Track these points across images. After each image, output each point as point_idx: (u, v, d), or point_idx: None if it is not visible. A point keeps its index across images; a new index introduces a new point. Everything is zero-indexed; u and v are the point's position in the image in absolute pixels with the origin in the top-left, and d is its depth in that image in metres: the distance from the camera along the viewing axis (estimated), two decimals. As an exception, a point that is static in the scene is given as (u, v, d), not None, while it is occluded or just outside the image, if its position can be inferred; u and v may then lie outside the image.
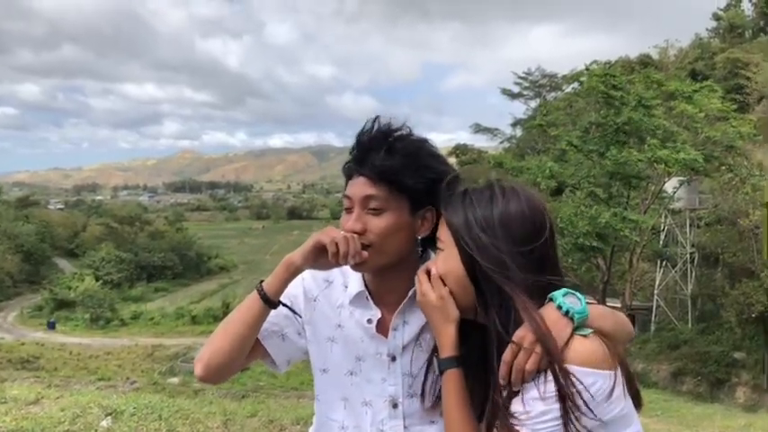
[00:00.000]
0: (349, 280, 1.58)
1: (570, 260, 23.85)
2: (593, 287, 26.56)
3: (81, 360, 38.71)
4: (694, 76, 36.27)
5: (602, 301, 24.73)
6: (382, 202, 1.43)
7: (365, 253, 1.42)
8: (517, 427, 1.19)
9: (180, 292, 66.50)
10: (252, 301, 1.50)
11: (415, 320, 1.49)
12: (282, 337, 1.60)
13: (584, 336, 1.21)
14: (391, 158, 1.43)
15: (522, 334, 1.21)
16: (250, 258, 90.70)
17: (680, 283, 27.85)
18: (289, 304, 1.54)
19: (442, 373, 1.35)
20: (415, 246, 1.49)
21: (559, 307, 1.22)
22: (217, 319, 51.94)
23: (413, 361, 1.49)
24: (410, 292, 1.46)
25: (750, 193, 24.26)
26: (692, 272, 27.55)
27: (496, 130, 54.79)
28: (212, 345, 1.50)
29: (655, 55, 47.02)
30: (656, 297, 27.78)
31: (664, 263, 27.93)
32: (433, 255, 1.45)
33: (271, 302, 1.48)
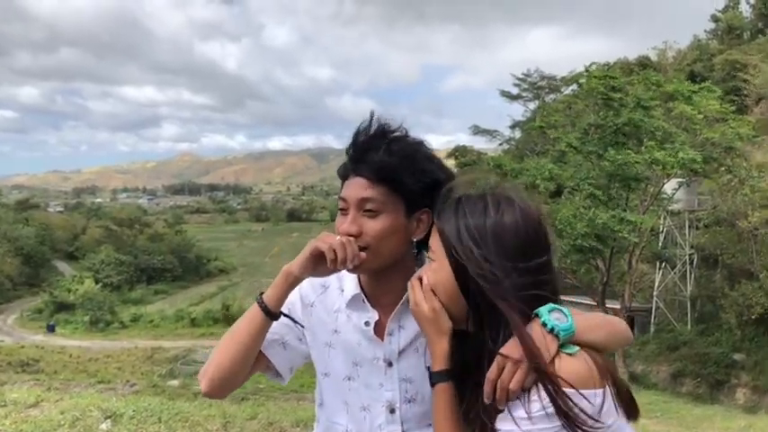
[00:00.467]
0: (344, 283, 1.57)
1: (569, 261, 23.85)
2: (593, 288, 26.55)
3: (80, 363, 38.63)
4: (693, 77, 36.26)
5: (601, 303, 24.85)
6: (378, 204, 1.42)
7: (363, 254, 1.41)
8: None
9: (179, 295, 66.45)
10: (253, 313, 1.48)
11: (411, 324, 1.46)
12: (284, 345, 1.60)
13: (571, 354, 1.18)
14: (389, 159, 1.42)
15: (507, 352, 1.20)
16: (249, 260, 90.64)
17: (679, 285, 27.84)
18: (287, 312, 1.53)
19: (433, 385, 1.34)
20: (411, 248, 1.48)
21: (544, 324, 1.20)
22: (216, 321, 51.99)
23: (410, 366, 1.48)
24: (405, 296, 1.45)
25: (749, 195, 24.27)
26: (691, 273, 27.55)
27: (495, 131, 54.79)
28: (215, 360, 1.50)
29: (653, 57, 47.05)
30: (655, 298, 27.76)
31: (663, 264, 27.92)
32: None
33: (272, 314, 1.47)
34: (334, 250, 1.39)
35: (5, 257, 63.06)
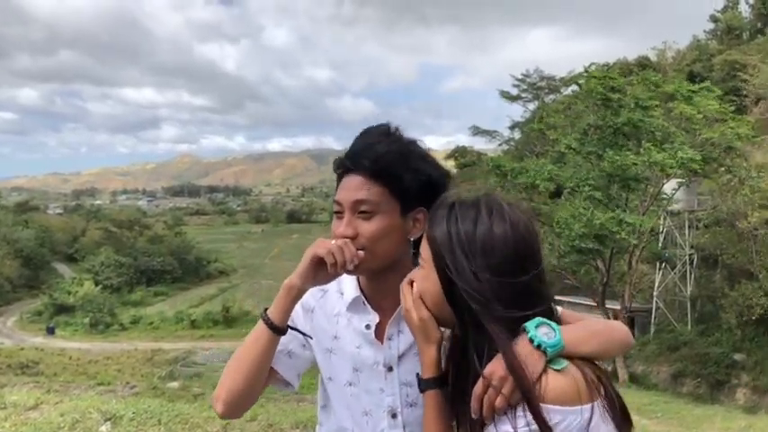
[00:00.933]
0: (344, 286, 1.57)
1: (566, 261, 23.87)
2: (593, 289, 26.55)
3: (80, 365, 38.61)
4: (692, 77, 36.26)
5: (601, 303, 24.83)
6: (372, 206, 1.42)
7: (361, 253, 1.41)
8: None
9: (179, 297, 66.43)
10: (259, 331, 1.47)
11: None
12: (289, 354, 1.59)
13: (558, 370, 1.16)
14: (383, 157, 1.43)
15: (492, 369, 1.19)
16: (249, 262, 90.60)
17: (679, 285, 27.83)
18: (290, 323, 1.52)
19: (422, 392, 1.35)
20: (408, 247, 1.48)
21: (531, 340, 1.18)
22: (216, 323, 52.00)
23: (410, 370, 1.48)
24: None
25: (749, 195, 24.27)
26: (691, 273, 27.54)
27: (495, 132, 54.85)
28: (227, 381, 1.49)
29: (653, 57, 47.08)
30: (655, 299, 27.75)
31: (663, 265, 27.92)
32: None
33: (279, 329, 1.46)
34: (333, 254, 1.39)
35: (5, 259, 63.03)
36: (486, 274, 1.21)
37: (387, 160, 1.43)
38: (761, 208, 24.09)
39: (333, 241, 1.41)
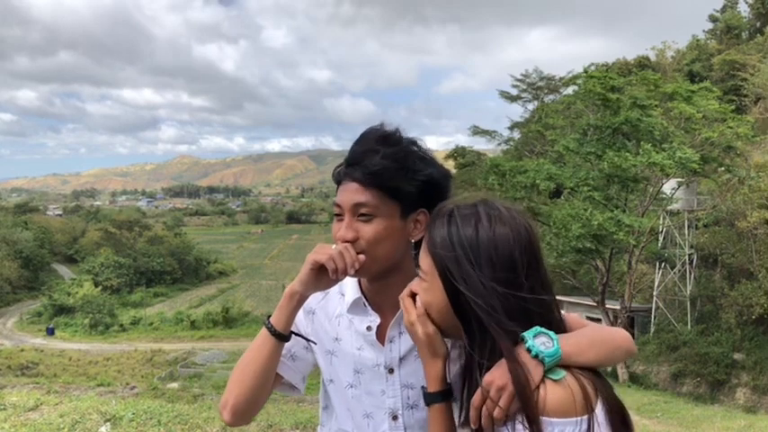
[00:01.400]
0: (345, 288, 1.57)
1: (565, 261, 23.86)
2: (593, 289, 26.56)
3: (80, 366, 38.68)
4: (692, 77, 36.33)
5: (601, 303, 24.75)
6: (372, 209, 1.42)
7: (362, 257, 1.41)
8: None
9: (179, 297, 66.52)
10: (263, 338, 1.47)
11: None
12: (293, 358, 1.59)
13: (556, 380, 1.16)
14: (381, 163, 1.41)
15: (490, 379, 1.18)
16: (249, 263, 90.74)
17: (679, 285, 27.83)
18: (292, 327, 1.52)
19: (428, 405, 1.34)
20: (409, 249, 1.47)
21: (529, 350, 1.17)
22: (216, 323, 52.02)
23: (411, 372, 1.47)
24: None
25: (748, 194, 24.28)
26: (690, 273, 27.54)
27: (494, 132, 54.73)
28: (234, 391, 1.48)
29: (652, 57, 47.11)
30: (655, 298, 27.76)
31: (663, 264, 27.93)
32: None
33: (282, 337, 1.46)
34: (334, 260, 1.38)
35: (5, 261, 63.04)
36: (493, 283, 1.20)
37: (381, 170, 1.41)
38: (760, 207, 24.09)
39: (333, 246, 1.41)
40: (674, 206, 26.87)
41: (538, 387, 1.15)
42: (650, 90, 25.56)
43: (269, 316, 1.48)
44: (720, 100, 25.80)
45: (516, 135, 53.57)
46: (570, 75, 45.82)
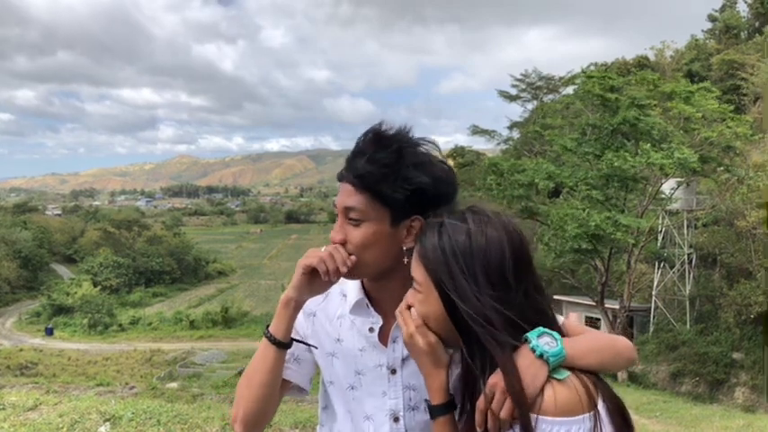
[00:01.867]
0: (347, 288, 1.56)
1: (563, 261, 23.86)
2: (592, 288, 26.56)
3: (79, 366, 38.66)
4: (691, 77, 36.32)
5: (600, 303, 24.77)
6: (360, 213, 1.41)
7: (353, 257, 1.40)
8: None
9: (178, 297, 66.52)
10: (265, 348, 1.47)
11: None
12: (297, 361, 1.59)
13: (560, 380, 1.16)
14: (364, 167, 1.40)
15: (494, 381, 1.18)
16: (248, 262, 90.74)
17: (678, 285, 27.84)
18: (293, 333, 1.51)
19: (433, 418, 1.32)
20: (402, 256, 1.42)
21: (533, 350, 1.18)
22: (215, 323, 52.01)
23: (413, 373, 1.46)
24: None
25: (747, 194, 24.29)
26: (689, 273, 27.54)
27: (494, 131, 54.78)
28: (242, 403, 1.49)
29: (651, 56, 47.11)
30: (654, 298, 27.77)
31: (662, 264, 27.93)
32: None
33: (283, 345, 1.46)
34: (324, 261, 1.38)
35: (3, 261, 63.01)
36: (487, 292, 1.20)
37: (365, 174, 1.39)
38: (759, 207, 24.11)
39: (323, 248, 1.41)
40: (674, 206, 26.88)
41: (543, 388, 1.15)
42: (650, 90, 25.57)
43: (268, 325, 1.48)
44: (719, 100, 25.79)
45: (515, 135, 53.61)
46: (569, 75, 45.92)
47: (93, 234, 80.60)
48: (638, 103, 23.71)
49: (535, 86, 55.01)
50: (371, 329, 1.51)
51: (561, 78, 51.46)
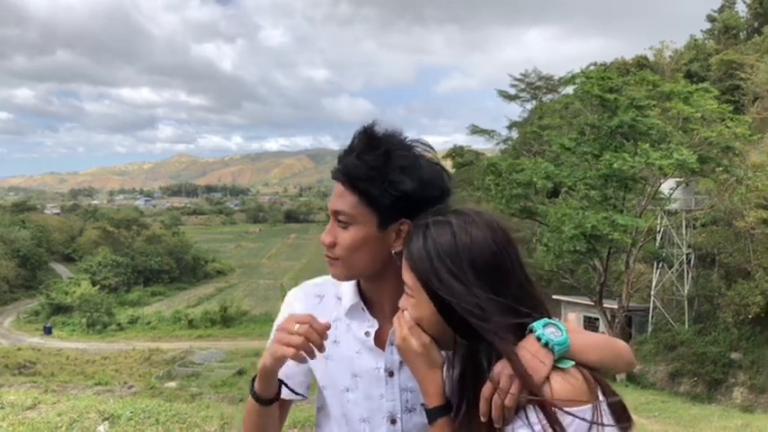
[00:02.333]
0: (342, 291, 1.55)
1: (561, 262, 23.86)
2: (590, 288, 26.57)
3: (78, 365, 38.58)
4: (690, 77, 36.31)
5: (599, 303, 24.78)
6: (348, 216, 1.41)
7: (326, 345, 1.37)
8: None
9: (177, 296, 66.44)
10: (252, 404, 1.51)
11: None
12: (289, 377, 1.59)
13: (564, 368, 1.18)
14: (359, 165, 1.39)
15: (499, 369, 1.19)
16: (247, 262, 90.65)
17: (676, 285, 27.86)
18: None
19: (431, 422, 1.31)
20: (391, 259, 1.41)
21: (539, 338, 1.18)
22: (214, 322, 51.97)
23: (410, 376, 1.44)
24: None
25: (746, 194, 24.31)
26: (688, 273, 27.55)
27: (493, 131, 54.80)
28: None
29: (650, 56, 47.10)
30: (652, 298, 27.78)
31: (660, 264, 27.94)
32: None
33: (271, 400, 1.49)
34: (298, 349, 1.34)
35: (2, 260, 62.96)
36: (478, 287, 1.21)
37: (357, 176, 1.39)
38: (758, 207, 24.13)
39: (296, 326, 1.36)
40: (672, 206, 26.89)
41: (549, 376, 1.16)
42: (650, 90, 25.58)
43: (254, 379, 1.49)
44: (718, 100, 25.80)
45: (515, 134, 53.60)
46: (569, 74, 45.87)
47: (92, 233, 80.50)
48: (637, 104, 23.71)
49: (534, 86, 55.02)
50: (367, 333, 1.50)
51: (561, 78, 51.46)
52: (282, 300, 1.66)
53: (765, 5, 44.77)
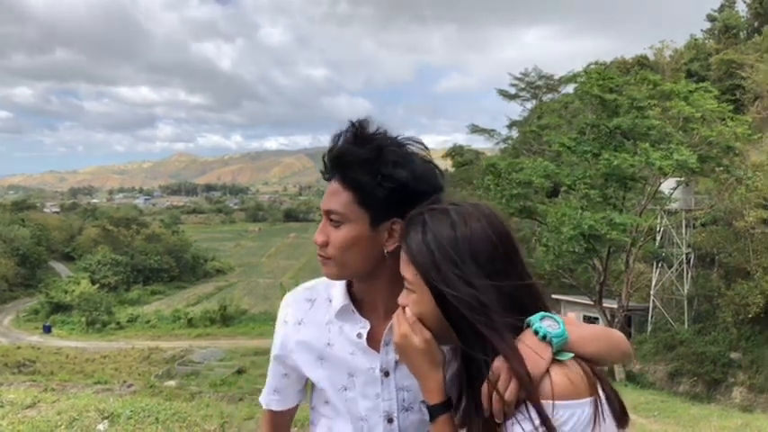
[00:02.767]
0: (333, 292, 1.54)
1: (561, 261, 23.86)
2: (590, 288, 26.58)
3: (77, 364, 38.58)
4: (690, 76, 36.32)
5: (598, 302, 24.78)
6: (340, 216, 1.40)
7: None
8: None
9: (176, 295, 66.39)
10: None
11: None
12: (286, 376, 1.66)
13: (563, 361, 1.17)
14: (351, 155, 1.38)
15: (499, 364, 1.18)
16: (246, 261, 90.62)
17: (676, 284, 27.88)
18: (280, 342, 1.60)
19: (432, 420, 1.30)
20: (384, 259, 1.41)
21: (536, 332, 1.18)
22: (214, 321, 51.97)
23: (406, 375, 1.44)
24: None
25: (745, 194, 24.31)
26: (688, 272, 27.58)
27: (493, 130, 54.80)
28: None
29: (650, 56, 47.12)
30: (652, 298, 27.80)
31: (660, 264, 27.96)
32: None
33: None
34: None
35: (1, 258, 62.94)
36: (479, 278, 1.20)
37: (349, 162, 1.38)
38: (757, 207, 24.14)
39: None
40: (672, 205, 26.90)
41: (548, 370, 1.16)
42: (650, 89, 25.57)
43: None
44: (718, 99, 25.81)
45: (514, 134, 53.61)
46: (569, 73, 45.86)
47: (92, 232, 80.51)
48: (638, 104, 23.71)
49: (534, 85, 55.03)
50: (359, 335, 1.49)
51: (561, 78, 51.46)
52: (282, 299, 1.66)
53: (765, 5, 44.78)
